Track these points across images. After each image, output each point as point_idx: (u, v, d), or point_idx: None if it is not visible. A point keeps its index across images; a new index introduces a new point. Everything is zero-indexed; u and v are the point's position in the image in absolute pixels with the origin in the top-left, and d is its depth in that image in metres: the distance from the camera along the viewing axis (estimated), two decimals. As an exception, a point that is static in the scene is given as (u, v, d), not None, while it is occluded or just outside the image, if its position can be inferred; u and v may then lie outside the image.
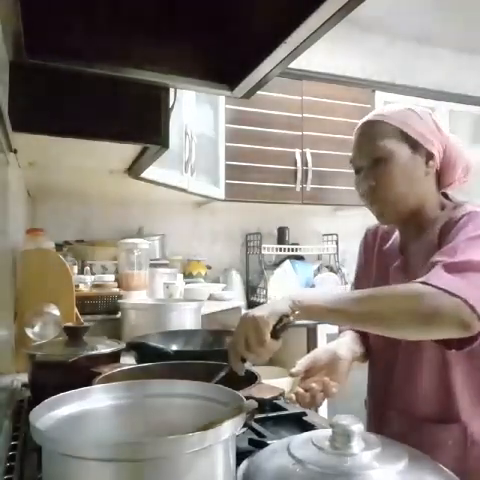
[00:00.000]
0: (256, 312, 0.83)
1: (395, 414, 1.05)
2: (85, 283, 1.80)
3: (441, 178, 1.05)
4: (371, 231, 1.23)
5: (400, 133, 1.00)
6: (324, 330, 2.50)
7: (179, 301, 1.88)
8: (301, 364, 0.98)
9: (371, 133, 1.03)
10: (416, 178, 1.01)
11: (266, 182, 2.74)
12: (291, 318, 0.82)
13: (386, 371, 1.09)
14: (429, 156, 1.01)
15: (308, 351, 2.44)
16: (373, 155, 1.01)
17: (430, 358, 0.98)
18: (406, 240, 1.09)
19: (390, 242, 1.15)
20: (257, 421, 0.88)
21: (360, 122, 1.09)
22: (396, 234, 1.14)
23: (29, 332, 1.23)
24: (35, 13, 0.91)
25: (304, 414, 0.97)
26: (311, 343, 2.45)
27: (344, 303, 0.86)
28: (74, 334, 1.10)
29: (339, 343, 1.11)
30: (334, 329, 2.65)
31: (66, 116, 1.12)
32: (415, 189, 1.01)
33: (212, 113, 2.60)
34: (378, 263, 1.16)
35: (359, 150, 1.05)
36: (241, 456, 0.58)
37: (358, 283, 1.25)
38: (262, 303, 2.78)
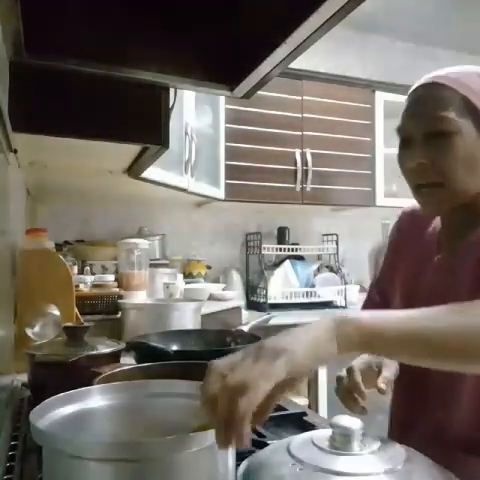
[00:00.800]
0: (289, 342, 0.53)
1: (422, 437, 0.86)
2: (85, 283, 1.80)
3: None
4: (408, 213, 1.05)
5: (466, 104, 0.80)
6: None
7: (179, 301, 1.88)
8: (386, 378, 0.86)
9: (433, 99, 0.83)
10: (479, 163, 0.83)
11: (266, 182, 2.74)
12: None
13: (413, 387, 0.92)
14: None
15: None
16: (434, 127, 0.81)
17: (476, 382, 0.81)
18: (451, 234, 0.91)
19: (430, 230, 0.97)
20: (257, 421, 0.87)
21: (417, 83, 0.88)
22: (436, 222, 0.96)
23: (29, 332, 1.23)
24: (35, 13, 0.91)
25: (304, 414, 0.97)
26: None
27: (422, 329, 0.57)
28: (74, 334, 1.10)
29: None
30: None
31: (66, 116, 1.12)
32: (475, 175, 0.82)
33: (212, 113, 2.60)
34: (414, 251, 0.97)
35: (413, 117, 0.86)
36: (241, 456, 0.58)
37: (383, 273, 1.08)
38: (262, 303, 2.81)
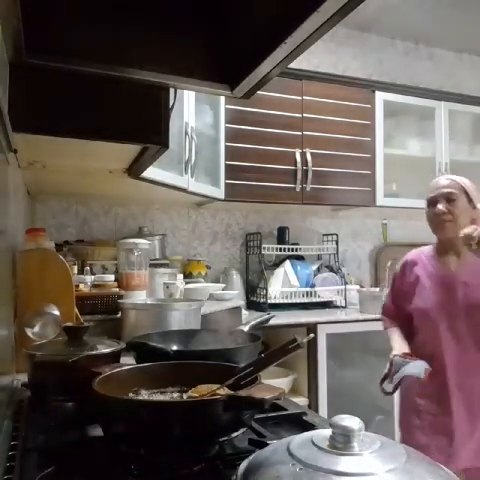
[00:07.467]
0: None
1: None
2: (85, 283, 1.79)
3: None
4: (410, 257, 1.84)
5: (462, 187, 1.67)
6: (324, 330, 2.51)
7: (179, 301, 1.88)
8: None
9: (447, 185, 1.67)
10: (467, 213, 1.66)
11: (266, 182, 2.74)
12: (304, 340, 0.77)
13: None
14: None
15: (308, 350, 2.46)
16: (448, 195, 1.65)
17: None
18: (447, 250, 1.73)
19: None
20: (257, 421, 0.88)
21: (438, 179, 1.75)
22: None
23: (29, 332, 1.22)
24: (35, 13, 0.91)
25: (304, 414, 0.97)
26: (311, 343, 2.45)
27: None
28: (74, 334, 1.10)
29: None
30: (334, 329, 2.65)
31: (66, 116, 1.12)
32: (466, 219, 1.63)
33: (212, 113, 2.60)
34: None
35: (439, 193, 1.66)
36: (241, 456, 0.58)
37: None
38: (262, 303, 2.82)
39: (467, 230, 1.44)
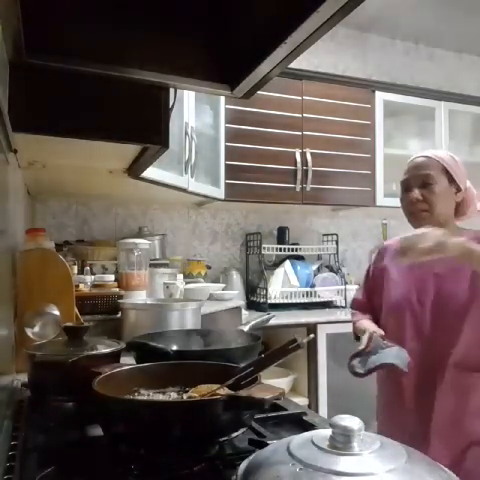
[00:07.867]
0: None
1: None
2: (85, 283, 1.79)
3: None
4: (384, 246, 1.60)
5: (442, 168, 1.40)
6: (324, 330, 2.51)
7: (179, 301, 1.88)
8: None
9: (424, 165, 1.41)
10: (448, 200, 1.40)
11: (266, 182, 2.74)
12: (304, 341, 0.78)
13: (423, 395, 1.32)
14: None
15: (308, 350, 2.46)
16: (425, 179, 1.40)
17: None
18: None
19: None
20: (257, 421, 0.88)
21: (415, 156, 1.46)
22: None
23: (29, 332, 1.22)
24: (35, 13, 0.91)
25: (304, 414, 0.97)
26: (311, 343, 2.45)
27: None
28: (74, 334, 1.10)
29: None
30: (334, 329, 2.65)
31: (66, 116, 1.12)
32: (446, 207, 1.42)
33: (212, 113, 2.60)
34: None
35: (413, 175, 1.42)
36: (241, 456, 0.58)
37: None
38: (262, 303, 2.82)
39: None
